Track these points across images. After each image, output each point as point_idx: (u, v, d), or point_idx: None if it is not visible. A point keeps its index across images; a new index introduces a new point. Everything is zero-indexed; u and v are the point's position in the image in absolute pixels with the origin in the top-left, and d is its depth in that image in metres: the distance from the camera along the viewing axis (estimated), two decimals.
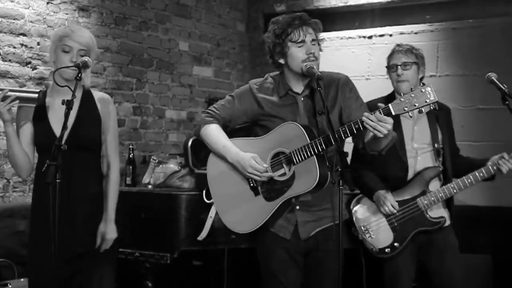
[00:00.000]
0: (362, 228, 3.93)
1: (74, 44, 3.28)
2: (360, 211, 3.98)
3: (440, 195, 3.86)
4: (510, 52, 5.57)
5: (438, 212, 3.90)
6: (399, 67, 3.87)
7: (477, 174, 3.85)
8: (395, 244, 3.86)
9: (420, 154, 3.91)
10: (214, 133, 3.34)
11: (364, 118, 2.97)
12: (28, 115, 3.36)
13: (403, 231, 3.87)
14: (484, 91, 5.37)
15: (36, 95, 3.25)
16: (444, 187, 3.87)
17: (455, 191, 3.85)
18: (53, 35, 3.39)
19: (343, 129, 3.07)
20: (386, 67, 3.98)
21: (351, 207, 4.00)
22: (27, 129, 3.36)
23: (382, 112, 2.95)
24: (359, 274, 4.08)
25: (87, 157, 3.40)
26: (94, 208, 3.40)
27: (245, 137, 3.38)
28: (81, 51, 3.30)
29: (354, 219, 3.97)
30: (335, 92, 3.31)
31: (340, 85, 3.32)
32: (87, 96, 3.44)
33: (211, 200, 3.49)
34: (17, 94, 3.23)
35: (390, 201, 3.85)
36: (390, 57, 3.97)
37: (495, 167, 3.83)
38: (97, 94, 3.50)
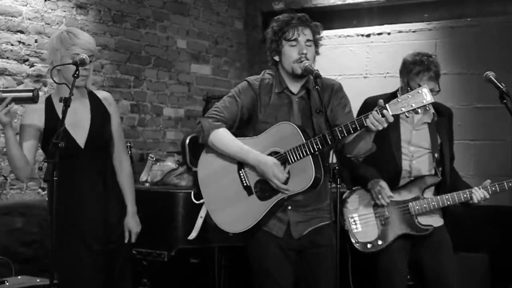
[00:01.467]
0: (350, 218, 3.91)
1: (83, 52, 3.28)
2: (351, 201, 3.95)
3: (433, 203, 3.85)
4: (508, 50, 5.58)
5: (429, 220, 3.89)
6: None
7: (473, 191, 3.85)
8: (379, 241, 3.85)
9: (415, 157, 3.91)
10: (227, 137, 3.28)
11: (373, 116, 3.00)
12: (34, 118, 3.33)
13: (389, 231, 3.86)
14: (482, 90, 5.37)
15: (31, 93, 3.12)
16: (438, 196, 3.86)
17: (448, 202, 3.84)
18: (57, 41, 3.32)
19: (340, 128, 3.08)
20: (408, 83, 3.75)
21: (343, 196, 3.97)
22: (31, 132, 3.32)
23: (379, 112, 2.98)
24: (346, 265, 4.06)
25: (104, 156, 3.48)
26: (118, 204, 3.52)
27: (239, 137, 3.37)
28: (89, 57, 3.30)
29: (343, 207, 3.95)
30: (329, 96, 3.34)
31: (334, 90, 3.37)
32: (93, 97, 3.48)
33: (201, 201, 3.48)
34: (12, 94, 3.10)
35: (385, 190, 3.83)
36: (417, 76, 3.75)
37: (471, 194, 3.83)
38: (100, 94, 3.54)
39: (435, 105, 3.78)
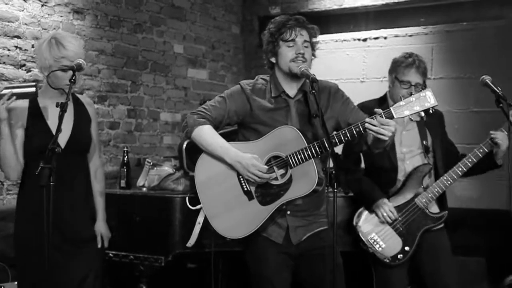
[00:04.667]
0: (370, 240, 3.90)
1: (71, 63, 3.28)
2: (364, 225, 3.95)
3: (436, 189, 3.86)
4: (504, 54, 5.59)
5: (437, 208, 3.92)
6: (413, 86, 3.80)
7: (476, 151, 3.85)
8: (406, 248, 3.86)
9: (408, 158, 3.92)
10: (209, 134, 3.30)
11: (366, 124, 3.03)
12: (20, 117, 3.33)
13: (410, 234, 3.87)
14: (478, 94, 5.39)
15: (33, 89, 3.17)
16: (438, 181, 3.87)
17: (449, 182, 3.85)
18: (46, 51, 3.30)
19: (343, 132, 3.09)
20: (396, 77, 3.86)
21: (354, 223, 3.97)
22: (19, 132, 3.33)
23: (384, 116, 2.99)
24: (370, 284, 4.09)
25: (82, 158, 3.51)
26: (89, 208, 3.54)
27: (232, 141, 3.36)
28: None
29: (360, 234, 3.94)
30: (327, 100, 3.34)
31: (332, 92, 3.37)
32: (77, 100, 3.51)
33: (197, 207, 3.47)
34: (13, 90, 3.15)
35: (389, 207, 3.85)
36: (405, 69, 3.83)
37: (490, 141, 3.80)
38: (82, 97, 3.59)
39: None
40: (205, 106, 3.38)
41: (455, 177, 3.84)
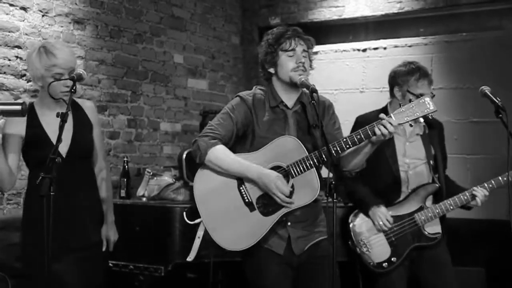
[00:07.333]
0: (360, 242, 3.92)
1: (64, 71, 3.27)
2: (358, 225, 3.97)
3: (437, 211, 3.88)
4: (503, 65, 5.60)
5: (435, 228, 3.91)
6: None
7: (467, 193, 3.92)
8: (393, 258, 3.86)
9: (412, 168, 3.92)
10: (225, 153, 3.24)
11: (382, 123, 3.05)
12: (17, 127, 3.30)
13: (401, 246, 3.87)
14: (478, 104, 5.38)
15: (19, 107, 3.10)
16: (441, 203, 3.89)
17: (451, 207, 3.88)
18: (36, 61, 3.28)
19: (344, 140, 3.11)
20: (408, 91, 3.80)
21: (349, 220, 3.99)
22: (14, 142, 3.30)
23: (386, 120, 3.04)
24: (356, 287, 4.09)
25: (86, 165, 3.48)
26: (97, 214, 3.53)
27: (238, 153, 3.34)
28: (71, 72, 3.29)
29: (352, 232, 3.96)
30: (322, 113, 3.36)
31: (326, 106, 3.40)
32: (75, 105, 3.47)
33: (197, 220, 3.45)
34: (0, 107, 3.10)
35: (386, 216, 3.86)
36: (418, 82, 3.80)
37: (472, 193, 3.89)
38: (82, 102, 3.55)
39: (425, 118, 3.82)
40: (211, 126, 3.31)
41: (459, 204, 3.90)
